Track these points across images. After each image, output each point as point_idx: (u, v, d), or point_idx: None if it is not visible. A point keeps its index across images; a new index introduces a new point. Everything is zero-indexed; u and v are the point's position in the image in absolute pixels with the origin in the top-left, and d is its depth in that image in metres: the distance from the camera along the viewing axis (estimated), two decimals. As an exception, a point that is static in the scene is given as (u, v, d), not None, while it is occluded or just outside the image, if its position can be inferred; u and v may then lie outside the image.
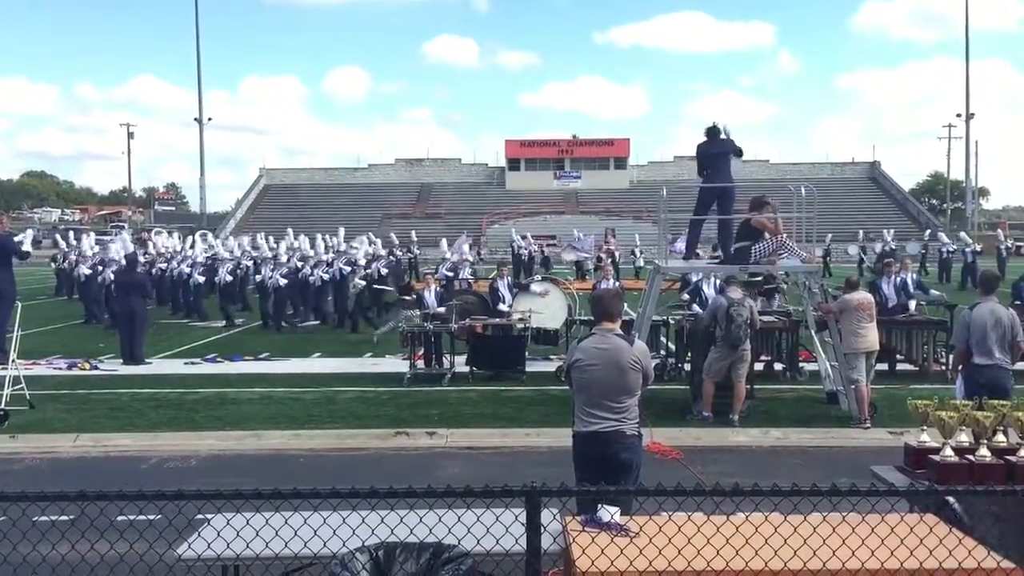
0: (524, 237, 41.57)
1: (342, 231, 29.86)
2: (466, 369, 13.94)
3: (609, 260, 24.87)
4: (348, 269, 21.10)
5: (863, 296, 11.12)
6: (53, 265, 32.61)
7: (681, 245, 15.82)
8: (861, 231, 44.84)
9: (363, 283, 20.28)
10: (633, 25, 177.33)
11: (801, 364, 13.86)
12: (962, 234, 37.07)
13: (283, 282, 20.36)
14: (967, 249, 32.55)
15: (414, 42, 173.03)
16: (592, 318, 6.19)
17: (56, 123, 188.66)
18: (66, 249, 29.31)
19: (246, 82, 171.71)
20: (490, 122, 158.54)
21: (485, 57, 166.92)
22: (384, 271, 21.55)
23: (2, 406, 11.07)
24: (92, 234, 33.04)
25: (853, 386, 10.79)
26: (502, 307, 15.09)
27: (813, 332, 12.62)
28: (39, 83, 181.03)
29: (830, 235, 40.95)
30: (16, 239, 17.11)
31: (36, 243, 25.53)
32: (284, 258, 21.84)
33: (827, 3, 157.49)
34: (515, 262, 38.14)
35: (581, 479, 5.52)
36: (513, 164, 78.73)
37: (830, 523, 3.72)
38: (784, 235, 11.38)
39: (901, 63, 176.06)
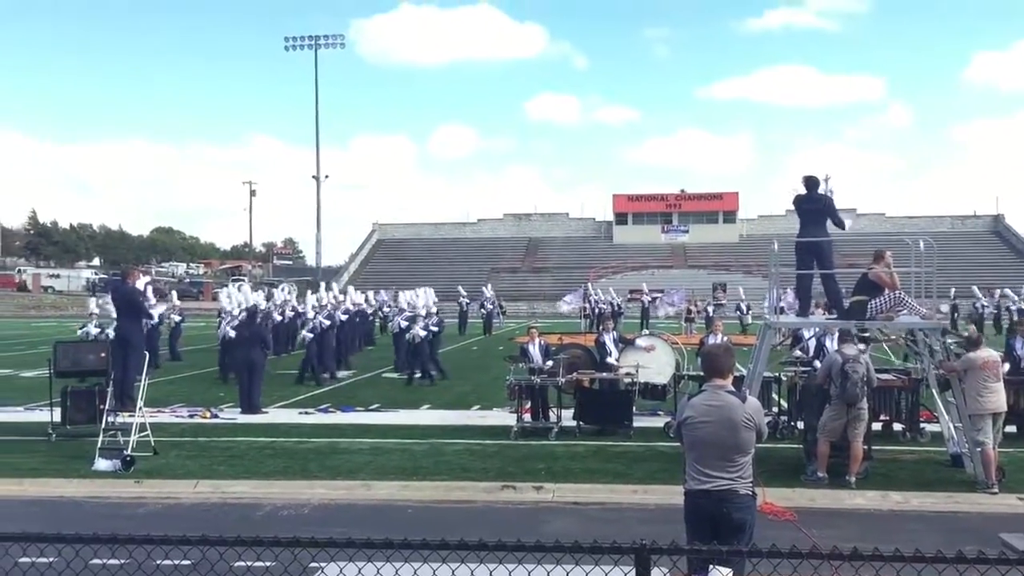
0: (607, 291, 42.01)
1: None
2: (573, 423, 13.87)
3: (710, 313, 24.49)
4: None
5: (989, 354, 10.63)
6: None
7: (791, 298, 15.47)
8: (975, 286, 42.97)
9: (423, 333, 20.81)
10: (734, 79, 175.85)
11: (922, 425, 13.29)
12: None
13: (422, 334, 20.80)
14: None
15: (516, 99, 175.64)
16: (702, 373, 6.11)
17: (183, 182, 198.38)
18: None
19: (356, 141, 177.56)
20: (593, 177, 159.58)
21: (585, 113, 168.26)
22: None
23: (129, 452, 11.57)
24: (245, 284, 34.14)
25: (979, 448, 10.28)
26: (609, 360, 15.01)
27: (935, 391, 12.10)
28: (161, 144, 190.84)
29: (953, 289, 39.42)
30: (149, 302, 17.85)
31: (162, 295, 26.87)
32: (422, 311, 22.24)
33: (937, 56, 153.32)
34: (596, 316, 38.21)
35: (692, 538, 5.40)
36: (621, 218, 78.83)
37: (956, 592, 3.53)
38: (901, 291, 11.02)
39: (1015, 112, 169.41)
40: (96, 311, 24.36)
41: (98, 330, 22.87)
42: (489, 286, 43.69)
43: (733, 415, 5.47)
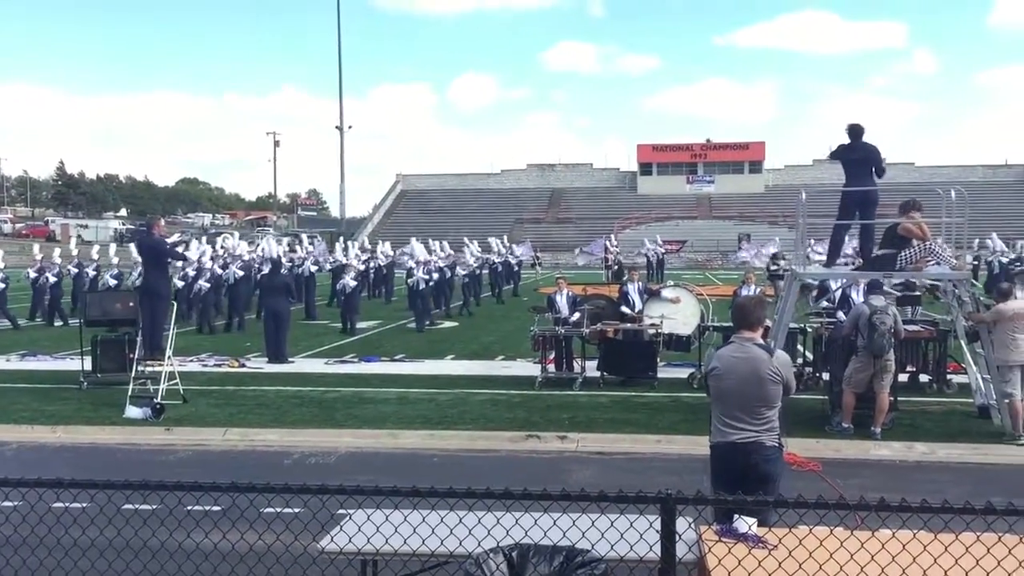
0: (654, 241, 41.41)
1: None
2: (597, 374, 13.90)
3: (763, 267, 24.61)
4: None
5: (1020, 306, 10.49)
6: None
7: (821, 248, 15.28)
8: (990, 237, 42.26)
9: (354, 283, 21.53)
10: (755, 26, 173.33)
11: (950, 376, 13.20)
12: None
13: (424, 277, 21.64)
14: None
15: (535, 48, 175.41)
16: (731, 325, 6.06)
17: (208, 132, 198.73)
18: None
19: (376, 91, 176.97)
20: (616, 126, 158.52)
21: (605, 62, 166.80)
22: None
23: (158, 400, 11.73)
24: (236, 233, 34.64)
25: (1007, 400, 10.20)
26: (625, 310, 14.92)
27: (964, 343, 11.99)
28: (194, 95, 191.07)
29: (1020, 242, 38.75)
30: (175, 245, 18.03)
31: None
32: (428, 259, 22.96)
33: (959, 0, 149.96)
34: (648, 267, 38.06)
35: (718, 490, 5.40)
36: (645, 169, 78.17)
37: (984, 543, 3.49)
38: (931, 241, 10.86)
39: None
40: (114, 261, 24.73)
41: (116, 281, 23.20)
42: (528, 242, 43.02)
43: (759, 368, 5.43)
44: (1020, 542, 3.52)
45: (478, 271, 29.12)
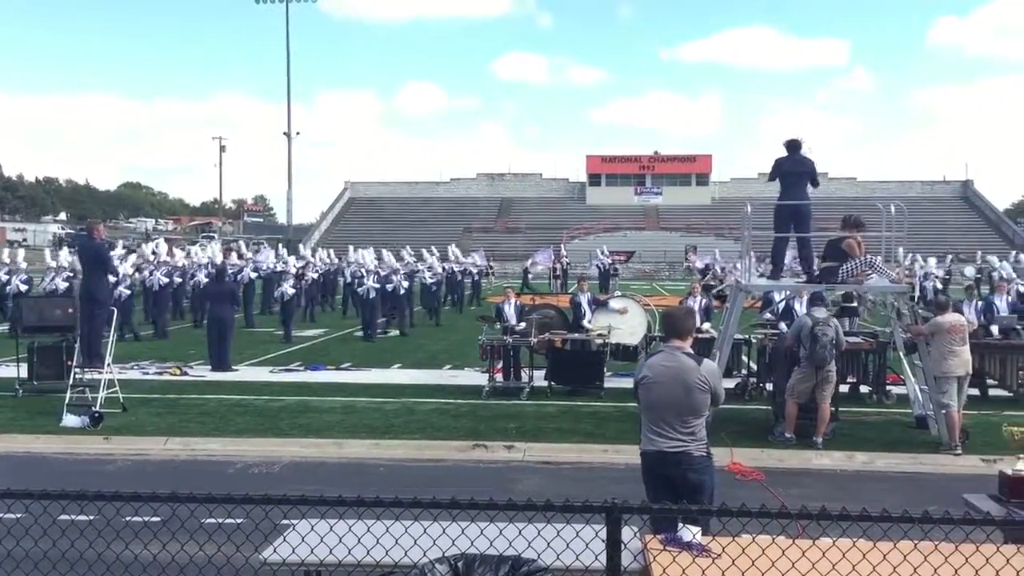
0: (603, 252, 41.69)
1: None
2: (545, 383, 13.93)
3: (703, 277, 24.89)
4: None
5: (956, 318, 10.76)
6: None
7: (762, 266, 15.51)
8: (949, 255, 43.38)
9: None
10: (700, 41, 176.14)
11: (889, 387, 13.48)
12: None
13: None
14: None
15: (484, 58, 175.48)
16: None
17: (149, 136, 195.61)
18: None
19: (322, 97, 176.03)
20: (565, 137, 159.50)
21: (554, 73, 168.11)
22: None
23: (97, 408, 11.48)
24: (161, 239, 34.15)
25: (944, 411, 10.44)
26: (585, 323, 15.02)
27: (902, 354, 12.25)
28: (134, 99, 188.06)
29: (950, 256, 39.70)
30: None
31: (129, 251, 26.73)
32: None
33: (900, 19, 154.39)
34: (600, 276, 38.33)
35: (651, 498, 5.43)
36: (594, 179, 78.71)
37: (921, 551, 3.58)
38: (871, 255, 11.09)
39: (978, 78, 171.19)
40: (64, 264, 24.15)
41: (66, 284, 22.68)
42: (481, 252, 42.80)
43: (687, 376, 5.47)
44: (956, 550, 3.60)
45: (444, 279, 29.06)
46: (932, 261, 29.24)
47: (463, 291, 32.26)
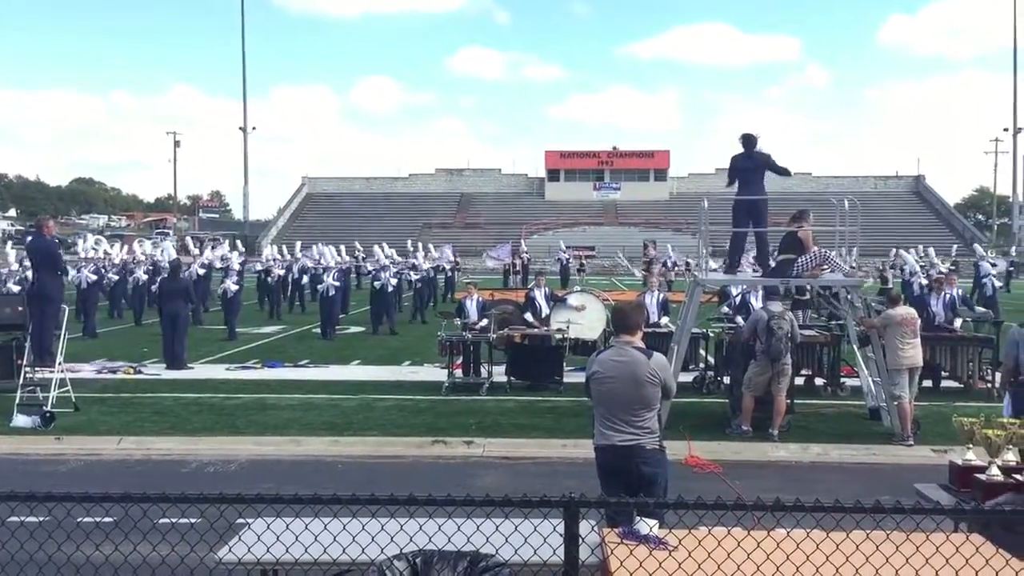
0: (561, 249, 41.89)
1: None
2: (504, 379, 13.94)
3: (656, 271, 25.00)
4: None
5: (907, 311, 10.94)
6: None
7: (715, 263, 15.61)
8: (894, 249, 44.05)
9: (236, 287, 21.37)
10: (657, 36, 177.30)
11: (843, 379, 13.68)
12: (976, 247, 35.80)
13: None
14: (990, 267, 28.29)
15: (439, 53, 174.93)
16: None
17: (102, 132, 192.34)
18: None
19: (277, 91, 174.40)
20: (523, 132, 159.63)
21: (510, 69, 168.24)
22: None
23: (48, 408, 11.27)
24: (91, 235, 33.67)
25: (896, 402, 10.62)
26: (528, 317, 15.06)
27: (856, 347, 12.44)
28: (85, 94, 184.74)
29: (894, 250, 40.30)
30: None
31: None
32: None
33: (850, 17, 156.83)
34: (561, 272, 38.47)
35: (605, 492, 5.46)
36: (553, 175, 78.78)
37: (874, 541, 3.65)
38: (824, 249, 11.24)
39: (930, 75, 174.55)
40: (15, 268, 23.68)
41: (19, 288, 22.22)
42: (449, 248, 42.40)
43: (637, 370, 5.51)
44: (907, 539, 3.66)
45: (428, 275, 28.77)
46: (911, 258, 29.31)
47: (436, 288, 32.11)
